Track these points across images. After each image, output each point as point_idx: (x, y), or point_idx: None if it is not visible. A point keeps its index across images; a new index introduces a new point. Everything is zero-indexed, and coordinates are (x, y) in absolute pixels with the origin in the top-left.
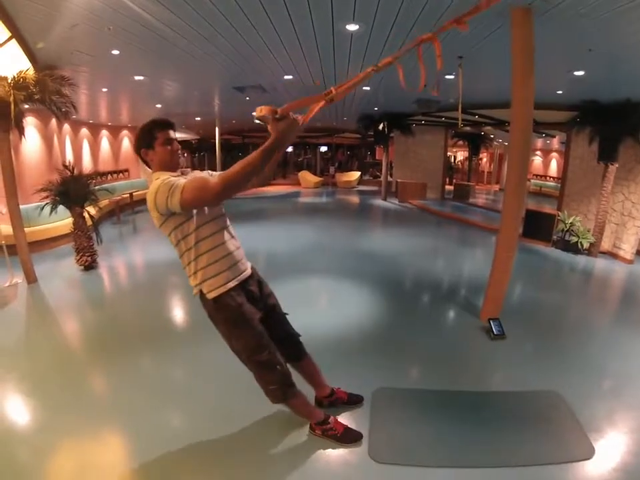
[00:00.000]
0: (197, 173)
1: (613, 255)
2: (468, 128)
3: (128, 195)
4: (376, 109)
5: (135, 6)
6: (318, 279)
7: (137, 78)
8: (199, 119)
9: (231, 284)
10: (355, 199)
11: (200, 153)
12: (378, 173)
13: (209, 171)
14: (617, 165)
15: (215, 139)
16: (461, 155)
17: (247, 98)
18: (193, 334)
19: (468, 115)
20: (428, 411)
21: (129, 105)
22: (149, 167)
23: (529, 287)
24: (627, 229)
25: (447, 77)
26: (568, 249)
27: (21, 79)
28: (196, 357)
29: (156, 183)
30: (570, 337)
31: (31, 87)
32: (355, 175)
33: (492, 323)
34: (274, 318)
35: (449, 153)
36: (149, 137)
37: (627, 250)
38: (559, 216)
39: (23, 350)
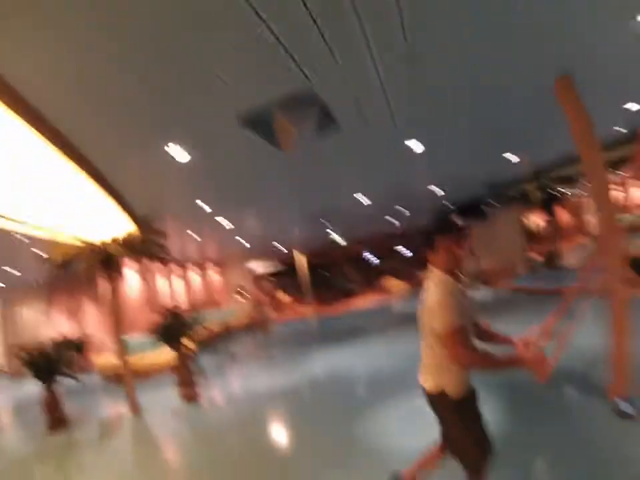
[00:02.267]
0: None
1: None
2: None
3: (223, 325)
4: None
5: None
6: None
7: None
8: (280, 248)
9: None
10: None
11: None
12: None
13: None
14: None
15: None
16: (541, 219)
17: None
18: (302, 465)
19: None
20: None
21: (218, 245)
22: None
23: None
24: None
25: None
26: None
27: (129, 239)
28: None
29: (441, 296)
30: None
31: (137, 246)
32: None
33: (619, 403)
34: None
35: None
36: (428, 238)
37: None
38: None
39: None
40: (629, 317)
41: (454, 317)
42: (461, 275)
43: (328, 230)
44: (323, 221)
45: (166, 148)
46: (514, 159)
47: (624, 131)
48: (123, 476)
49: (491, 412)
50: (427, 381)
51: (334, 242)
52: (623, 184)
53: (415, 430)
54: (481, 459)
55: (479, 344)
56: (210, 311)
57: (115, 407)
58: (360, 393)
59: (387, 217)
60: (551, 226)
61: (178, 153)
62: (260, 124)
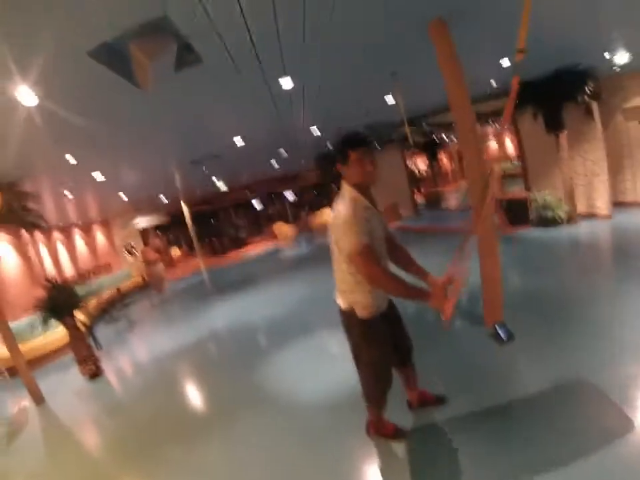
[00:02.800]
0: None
1: (592, 215)
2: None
3: (115, 290)
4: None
5: None
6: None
7: (96, 177)
8: (165, 201)
9: (378, 311)
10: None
11: (173, 230)
12: None
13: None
14: (566, 132)
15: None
16: (423, 163)
17: (205, 170)
18: (219, 419)
19: (417, 127)
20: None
21: (95, 203)
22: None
23: (525, 276)
24: (595, 187)
25: (386, 97)
26: (548, 224)
27: None
28: (228, 440)
29: (347, 215)
30: (580, 315)
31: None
32: (327, 212)
33: (498, 328)
34: (396, 326)
35: (411, 165)
36: (343, 154)
37: (601, 206)
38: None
39: (50, 476)
40: (497, 253)
41: (361, 235)
42: (372, 194)
43: (211, 177)
44: (203, 167)
45: (16, 94)
46: (391, 101)
47: (495, 85)
48: (43, 470)
49: None
50: (339, 298)
51: (218, 189)
52: (498, 135)
53: (313, 371)
54: (378, 385)
55: (394, 268)
56: (101, 277)
57: (15, 402)
58: (259, 340)
59: (270, 161)
60: (432, 169)
61: (29, 98)
62: (115, 58)
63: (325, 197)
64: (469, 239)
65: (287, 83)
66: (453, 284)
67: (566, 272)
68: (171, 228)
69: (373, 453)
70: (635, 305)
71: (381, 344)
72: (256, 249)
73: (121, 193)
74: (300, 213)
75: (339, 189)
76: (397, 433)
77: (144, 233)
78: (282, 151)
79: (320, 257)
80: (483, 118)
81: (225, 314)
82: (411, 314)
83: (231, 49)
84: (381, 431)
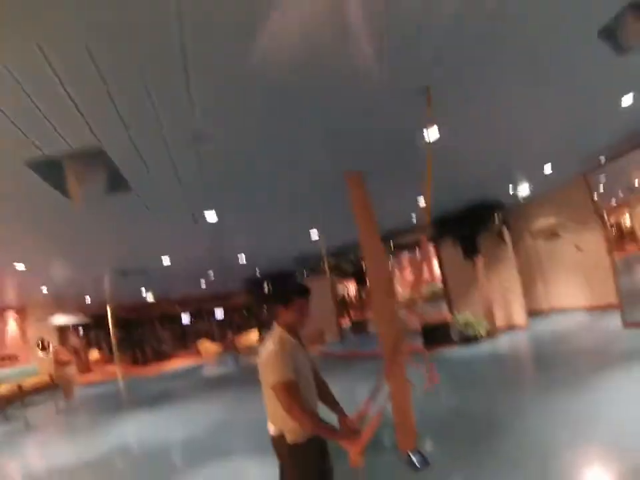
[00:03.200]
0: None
1: (511, 327)
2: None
3: (16, 386)
4: (257, 272)
5: None
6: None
7: (17, 266)
8: (89, 302)
9: (307, 435)
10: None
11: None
12: None
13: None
14: (480, 256)
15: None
16: (352, 287)
17: (130, 281)
18: None
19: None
20: None
21: (12, 290)
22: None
23: (447, 395)
24: (511, 302)
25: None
26: (470, 341)
27: None
28: None
29: (274, 351)
30: (497, 432)
31: None
32: (254, 335)
33: (411, 456)
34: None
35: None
36: (285, 298)
37: (518, 318)
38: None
39: None
40: (406, 380)
41: (285, 370)
42: (299, 334)
43: (139, 287)
44: (134, 278)
45: None
46: (315, 235)
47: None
48: None
49: None
50: (270, 425)
51: (146, 300)
52: (420, 261)
53: None
54: None
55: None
56: (3, 369)
57: None
58: (173, 460)
59: (199, 279)
60: (361, 296)
61: None
62: (50, 173)
63: (254, 318)
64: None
65: (211, 216)
66: (366, 424)
67: (485, 387)
68: (93, 330)
69: None
70: (553, 414)
71: (315, 469)
72: (179, 363)
73: (43, 287)
74: (226, 332)
75: (268, 312)
76: None
77: (61, 331)
78: (210, 272)
79: (243, 378)
80: (405, 247)
81: (136, 430)
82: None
83: (157, 179)
84: None
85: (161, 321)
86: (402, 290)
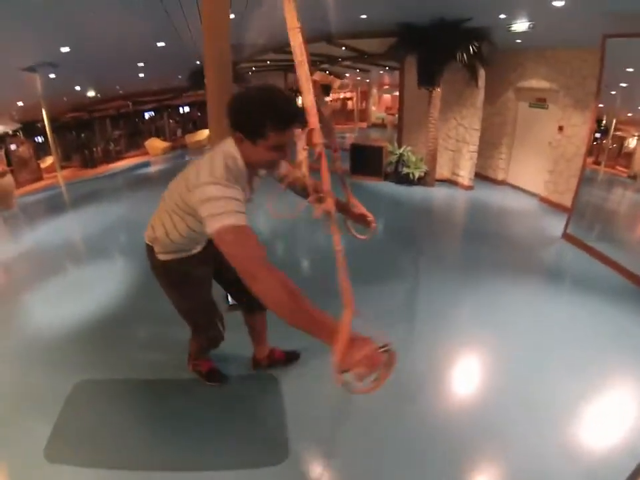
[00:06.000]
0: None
1: (453, 182)
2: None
3: None
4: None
5: None
6: None
7: None
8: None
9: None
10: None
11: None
12: None
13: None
14: (439, 90)
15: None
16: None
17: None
18: None
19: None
20: (130, 404)
21: None
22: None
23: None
24: (462, 155)
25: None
26: (401, 181)
27: None
28: None
29: (215, 190)
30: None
31: None
32: (204, 133)
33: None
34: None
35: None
36: (259, 130)
37: (464, 176)
38: (387, 148)
39: None
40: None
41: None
42: None
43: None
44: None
45: None
46: None
47: None
48: None
49: None
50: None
51: (92, 97)
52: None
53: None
54: (201, 334)
55: None
56: None
57: None
58: (62, 259)
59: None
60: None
61: None
62: None
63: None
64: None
65: None
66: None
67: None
68: (41, 136)
69: None
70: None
71: (187, 289)
72: (127, 163)
73: None
74: (176, 130)
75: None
76: (211, 375)
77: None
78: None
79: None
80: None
81: (49, 231)
82: None
83: None
84: (196, 367)
85: (114, 119)
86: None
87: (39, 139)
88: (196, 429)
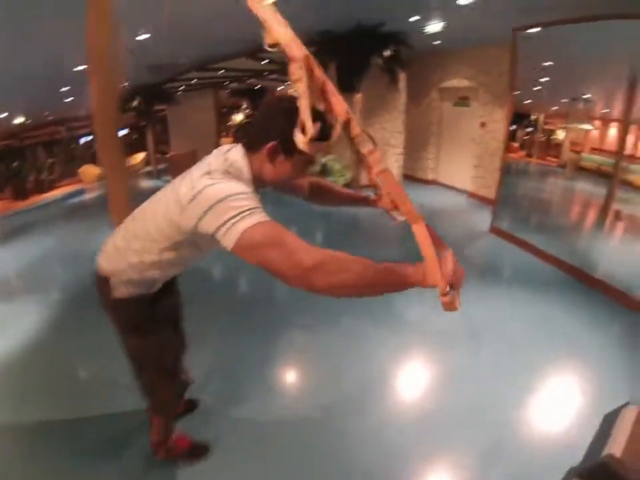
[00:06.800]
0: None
1: (378, 187)
2: (235, 84)
3: None
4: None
5: None
6: None
7: None
8: None
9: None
10: None
11: None
12: (167, 150)
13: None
14: (359, 95)
15: None
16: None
17: None
18: None
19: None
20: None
21: None
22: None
23: None
24: (387, 159)
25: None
26: None
27: None
28: None
29: (223, 189)
30: None
31: None
32: (139, 157)
33: None
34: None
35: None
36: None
37: None
38: None
39: None
40: None
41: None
42: None
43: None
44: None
45: None
46: None
47: None
48: None
49: None
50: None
51: (21, 123)
52: None
53: None
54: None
55: None
56: None
57: None
58: None
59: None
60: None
61: None
62: None
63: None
64: None
65: None
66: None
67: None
68: None
69: None
70: None
71: (152, 327)
72: (61, 192)
73: None
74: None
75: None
76: (195, 450)
77: None
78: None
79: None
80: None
81: None
82: None
83: None
84: (171, 452)
85: (48, 146)
86: None
87: None
88: None
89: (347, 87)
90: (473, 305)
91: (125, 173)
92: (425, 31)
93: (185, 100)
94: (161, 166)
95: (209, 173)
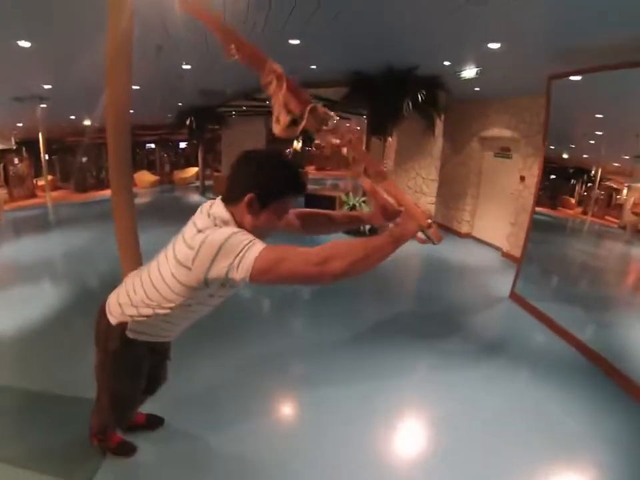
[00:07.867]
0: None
1: (374, 196)
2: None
3: None
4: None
5: None
6: None
7: None
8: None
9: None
10: (170, 195)
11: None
12: (220, 168)
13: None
14: (392, 139)
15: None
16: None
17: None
18: None
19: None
20: None
21: None
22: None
23: None
24: (420, 207)
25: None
26: (353, 232)
27: None
28: None
29: (223, 231)
30: None
31: None
32: (191, 171)
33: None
34: (161, 363)
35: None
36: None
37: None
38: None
39: None
40: None
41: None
42: None
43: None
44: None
45: None
46: None
47: None
48: None
49: None
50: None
51: (88, 125)
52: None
53: None
54: (117, 413)
55: None
56: None
57: None
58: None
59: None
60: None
61: None
62: None
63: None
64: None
65: None
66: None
67: None
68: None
69: None
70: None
71: (134, 374)
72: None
73: None
74: (164, 165)
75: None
76: (120, 448)
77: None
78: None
79: (168, 207)
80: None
81: (20, 249)
82: None
83: None
84: (102, 442)
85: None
86: None
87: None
88: None
89: (378, 130)
90: (454, 384)
91: (130, 187)
92: (462, 76)
93: (237, 124)
94: (208, 182)
95: (200, 230)
